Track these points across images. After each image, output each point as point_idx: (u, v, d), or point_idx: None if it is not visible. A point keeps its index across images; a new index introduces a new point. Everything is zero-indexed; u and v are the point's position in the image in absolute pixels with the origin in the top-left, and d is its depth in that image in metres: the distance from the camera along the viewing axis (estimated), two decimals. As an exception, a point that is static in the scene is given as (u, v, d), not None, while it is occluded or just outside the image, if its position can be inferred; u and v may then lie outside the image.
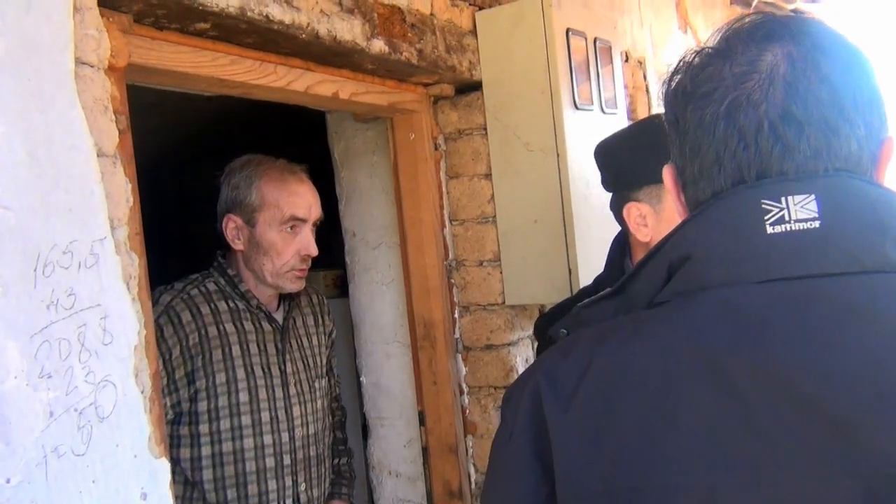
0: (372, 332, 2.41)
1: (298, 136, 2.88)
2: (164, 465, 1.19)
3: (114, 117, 1.17)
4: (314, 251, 1.74)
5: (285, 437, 1.75)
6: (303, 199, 1.73)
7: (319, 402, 1.86)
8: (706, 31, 4.57)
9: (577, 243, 2.08)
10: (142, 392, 1.17)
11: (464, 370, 2.29)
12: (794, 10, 5.81)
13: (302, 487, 1.79)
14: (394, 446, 2.43)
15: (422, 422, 2.29)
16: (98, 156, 1.13)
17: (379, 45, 1.75)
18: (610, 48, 2.35)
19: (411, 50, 1.87)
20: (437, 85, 2.13)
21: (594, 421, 0.72)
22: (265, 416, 1.71)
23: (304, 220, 1.73)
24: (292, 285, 1.75)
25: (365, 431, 2.52)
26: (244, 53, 1.58)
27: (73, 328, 1.07)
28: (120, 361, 1.14)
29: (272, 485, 1.72)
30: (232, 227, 1.72)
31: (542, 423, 0.75)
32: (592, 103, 2.22)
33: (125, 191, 1.17)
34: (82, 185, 1.10)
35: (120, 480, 1.12)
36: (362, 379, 2.46)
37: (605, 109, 2.30)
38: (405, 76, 2.02)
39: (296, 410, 1.78)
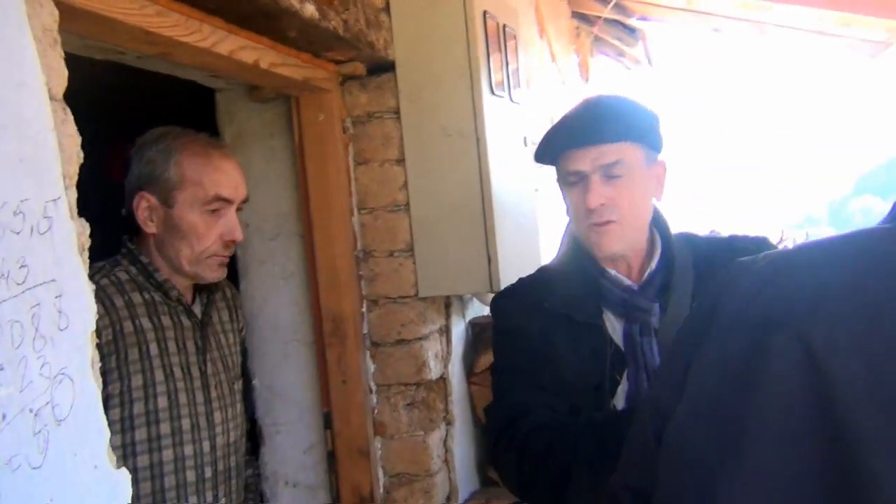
0: (267, 330, 2.22)
1: (182, 118, 2.60)
2: (125, 478, 0.99)
3: (63, 54, 0.96)
4: (239, 235, 1.55)
5: (206, 446, 1.54)
6: (228, 178, 1.53)
7: (238, 407, 1.67)
8: (556, 40, 4.73)
9: (497, 231, 2.03)
10: (98, 388, 0.96)
11: (372, 367, 2.16)
12: (632, 28, 6.18)
13: (222, 502, 1.58)
14: (291, 454, 2.24)
15: (328, 424, 2.14)
16: (49, 99, 0.91)
17: (311, 10, 1.60)
18: (516, 37, 2.33)
19: (338, 19, 1.73)
20: (349, 63, 2.00)
21: None
22: (185, 423, 1.50)
23: (229, 201, 1.53)
24: (213, 273, 1.55)
25: (255, 440, 2.31)
26: (170, 6, 1.38)
27: (26, 308, 0.85)
28: (77, 350, 0.92)
29: (192, 500, 1.51)
30: (144, 207, 1.49)
31: None
32: (504, 90, 2.18)
33: (76, 143, 0.96)
34: (34, 132, 0.88)
35: (80, 499, 0.91)
36: (255, 382, 2.24)
37: (514, 98, 2.27)
38: (322, 49, 1.87)
39: (217, 416, 1.57)
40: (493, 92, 2.08)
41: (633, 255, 1.57)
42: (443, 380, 2.24)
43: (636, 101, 1.56)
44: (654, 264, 1.56)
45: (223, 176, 1.53)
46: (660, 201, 1.58)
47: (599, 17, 5.83)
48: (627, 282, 1.56)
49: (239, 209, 1.57)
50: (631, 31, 6.41)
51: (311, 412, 2.19)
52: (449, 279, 2.08)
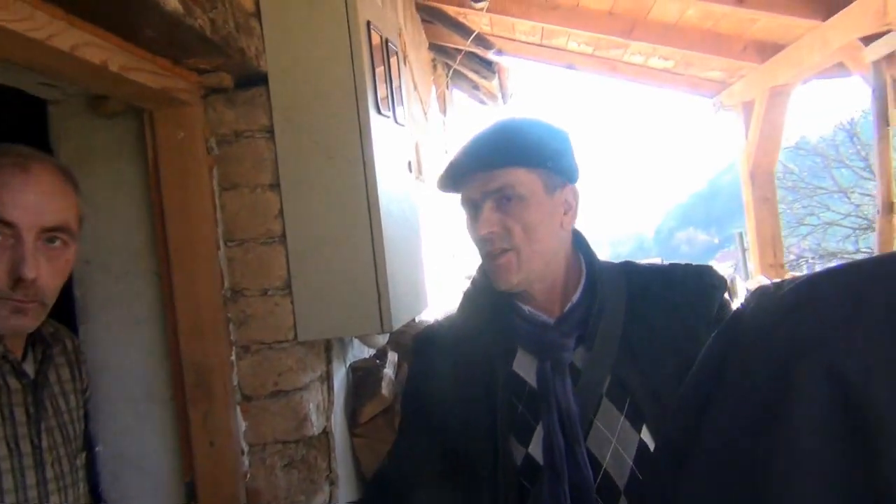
0: (115, 386, 1.87)
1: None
2: None
3: None
4: (29, 273, 1.17)
5: (39, 540, 1.21)
6: (15, 195, 1.18)
7: (81, 487, 1.34)
8: (417, 69, 4.61)
9: (387, 264, 1.81)
10: None
11: (243, 425, 1.87)
12: (488, 61, 6.18)
13: None
14: (145, 534, 1.89)
15: (190, 496, 1.81)
16: None
17: (174, 3, 1.34)
18: (398, 54, 2.15)
19: (205, 17, 1.47)
20: (214, 73, 1.73)
21: None
22: (12, 513, 1.17)
23: (12, 226, 1.18)
24: (5, 324, 1.19)
25: (99, 518, 1.93)
26: (-8, -18, 1.08)
27: None
28: None
29: None
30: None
31: None
32: (389, 110, 1.98)
33: None
34: None
35: None
36: (98, 449, 1.88)
37: (398, 119, 2.08)
38: (184, 54, 1.60)
39: (53, 500, 1.25)
40: (379, 111, 1.87)
41: (545, 289, 1.42)
42: (325, 434, 1.98)
43: (543, 124, 1.43)
44: (575, 297, 1.42)
45: (7, 193, 1.17)
46: (569, 230, 1.45)
47: (459, 50, 5.80)
48: (542, 317, 1.41)
49: (50, 238, 1.24)
50: (488, 64, 6.45)
51: (169, 483, 1.86)
52: (333, 320, 1.83)
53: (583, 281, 1.43)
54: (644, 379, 1.37)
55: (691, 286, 1.44)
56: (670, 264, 1.58)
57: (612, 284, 1.44)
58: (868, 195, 15.85)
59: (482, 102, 7.68)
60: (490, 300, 1.45)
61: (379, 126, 1.86)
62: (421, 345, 1.59)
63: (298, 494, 1.90)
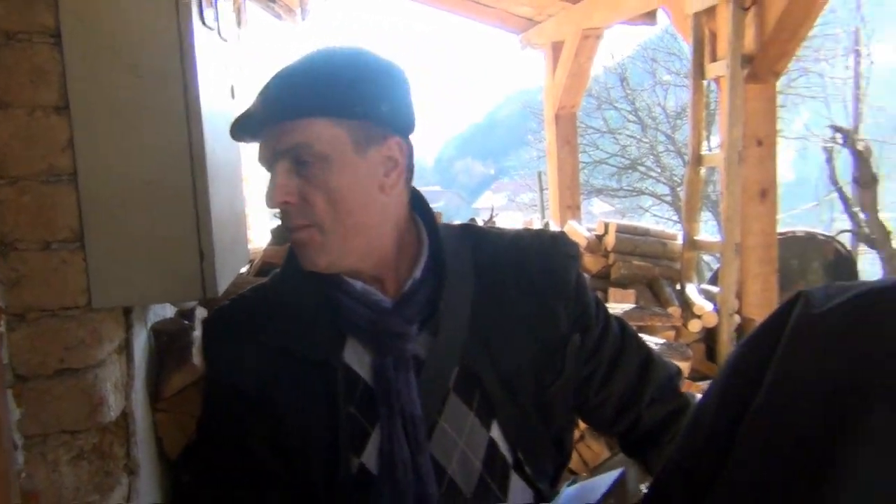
0: None
1: None
2: None
3: None
4: None
5: None
6: None
7: None
8: None
9: (212, 216, 1.47)
10: None
11: (17, 413, 1.46)
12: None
13: None
14: None
15: (-58, 507, 1.40)
16: None
17: None
18: (221, -51, 1.74)
19: None
20: (-26, -53, 1.26)
21: None
22: None
23: None
24: None
25: None
26: None
27: None
28: None
29: None
30: None
31: None
32: (214, 21, 1.60)
33: None
34: None
35: None
36: None
37: (223, 34, 1.69)
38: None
39: None
40: (203, 21, 1.49)
41: (375, 264, 1.17)
42: (124, 416, 1.62)
43: (360, 60, 1.14)
44: (417, 273, 1.19)
45: None
46: (399, 192, 1.19)
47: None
48: (379, 296, 1.16)
49: None
50: (288, -26, 5.91)
51: None
52: (140, 283, 1.47)
53: (424, 253, 1.21)
54: (496, 368, 1.17)
55: (546, 257, 1.25)
56: (518, 230, 1.39)
57: (457, 256, 1.22)
58: (633, 136, 17.08)
59: (278, 17, 7.08)
60: (313, 277, 1.19)
61: (203, 38, 1.48)
62: (219, 330, 1.28)
63: (91, 493, 1.54)
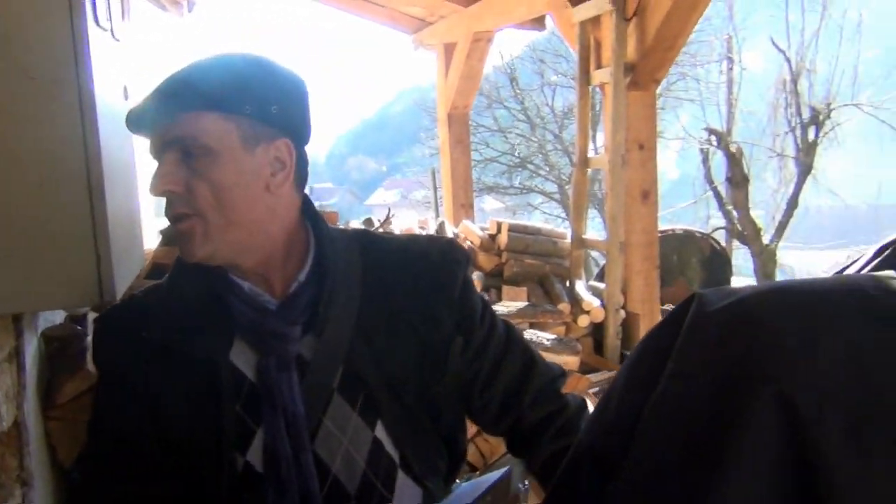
0: None
1: None
2: None
3: None
4: None
5: None
6: None
7: None
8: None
9: (109, 218, 1.45)
10: None
11: None
12: None
13: None
14: None
15: None
16: None
17: None
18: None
19: None
20: None
21: None
22: None
23: None
24: None
25: None
26: None
27: None
28: None
29: None
30: None
31: None
32: (108, 21, 1.57)
33: None
34: None
35: None
36: None
37: (116, 34, 1.67)
38: None
39: None
40: (97, 22, 1.47)
41: (259, 263, 1.21)
42: (16, 426, 1.58)
43: (258, 64, 1.18)
44: (302, 275, 1.23)
45: None
46: (287, 194, 1.24)
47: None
48: (266, 297, 1.20)
49: None
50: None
51: None
52: (32, 288, 1.43)
53: (311, 256, 1.25)
54: (380, 369, 1.23)
55: (433, 262, 1.32)
56: (410, 236, 1.46)
57: (345, 260, 1.27)
58: (522, 135, 17.45)
59: (163, 9, 6.85)
60: (204, 269, 1.21)
61: (97, 40, 1.46)
62: (108, 328, 1.29)
63: (-20, 507, 1.49)
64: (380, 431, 1.23)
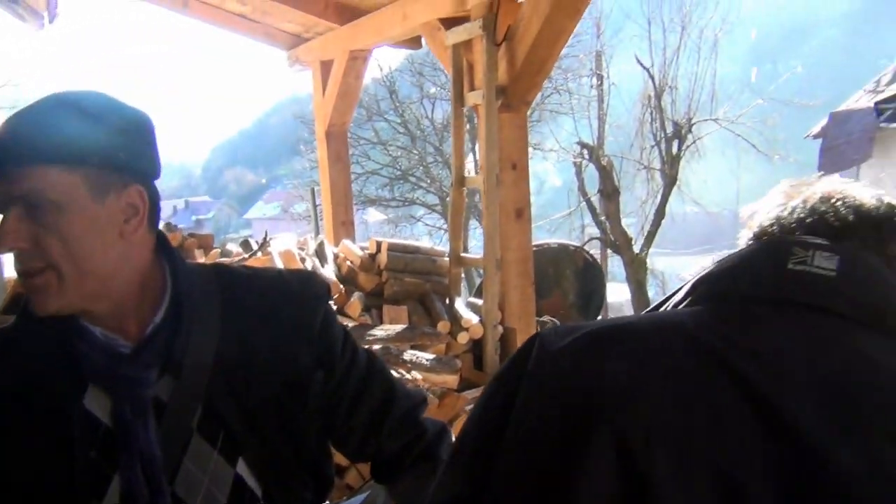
0: None
1: None
2: None
3: None
4: None
5: None
6: None
7: None
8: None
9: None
10: None
11: None
12: None
13: None
14: None
15: None
16: None
17: None
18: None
19: None
20: None
21: None
22: None
23: None
24: None
25: None
26: None
27: None
28: None
29: None
30: None
31: None
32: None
33: None
34: None
35: None
36: None
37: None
38: None
39: None
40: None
41: (112, 308, 1.18)
42: None
43: (101, 106, 1.13)
44: (158, 317, 1.20)
45: None
46: (142, 237, 1.20)
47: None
48: (120, 342, 1.18)
49: None
50: (33, -26, 5.43)
51: None
52: None
53: (167, 296, 1.22)
54: (241, 406, 1.24)
55: (293, 297, 1.33)
56: (270, 271, 1.47)
57: (203, 297, 1.25)
58: (403, 148, 17.55)
59: (21, 19, 6.45)
60: (54, 321, 1.16)
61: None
62: None
63: None
64: (241, 468, 1.23)
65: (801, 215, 0.87)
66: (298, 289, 1.34)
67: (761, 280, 0.81)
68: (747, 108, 15.03)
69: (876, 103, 11.73)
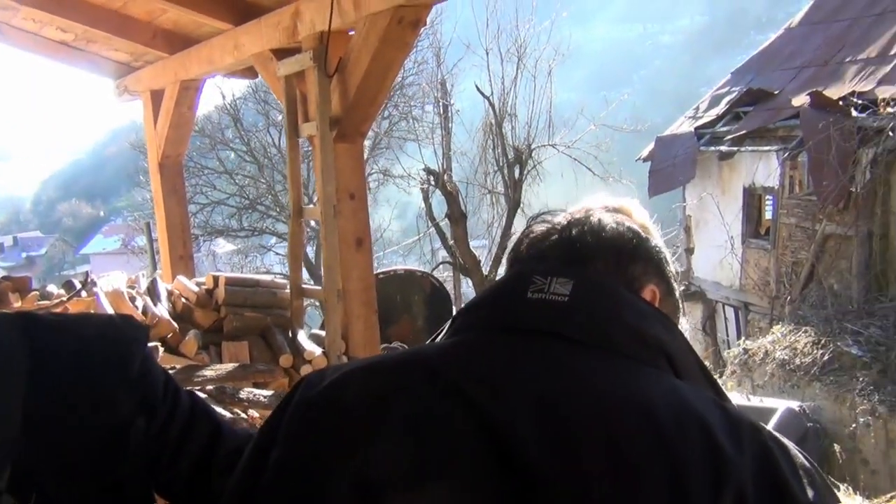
0: None
1: None
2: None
3: None
4: None
5: None
6: None
7: None
8: None
9: None
10: None
11: None
12: None
13: None
14: None
15: None
16: None
17: None
18: None
19: None
20: None
21: None
22: None
23: None
24: None
25: None
26: None
27: None
28: None
29: None
30: None
31: None
32: None
33: None
34: None
35: None
36: None
37: None
38: None
39: None
40: None
41: None
42: None
43: None
44: None
45: None
46: None
47: None
48: None
49: None
50: None
51: None
52: None
53: None
54: (54, 462, 1.19)
55: (109, 342, 1.28)
56: (86, 315, 1.41)
57: (7, 351, 1.17)
58: (250, 176, 17.17)
59: None
60: None
61: None
62: None
63: None
64: None
65: (551, 242, 0.92)
66: (114, 332, 1.29)
67: (501, 310, 0.86)
68: (582, 133, 15.83)
69: (696, 128, 12.72)
